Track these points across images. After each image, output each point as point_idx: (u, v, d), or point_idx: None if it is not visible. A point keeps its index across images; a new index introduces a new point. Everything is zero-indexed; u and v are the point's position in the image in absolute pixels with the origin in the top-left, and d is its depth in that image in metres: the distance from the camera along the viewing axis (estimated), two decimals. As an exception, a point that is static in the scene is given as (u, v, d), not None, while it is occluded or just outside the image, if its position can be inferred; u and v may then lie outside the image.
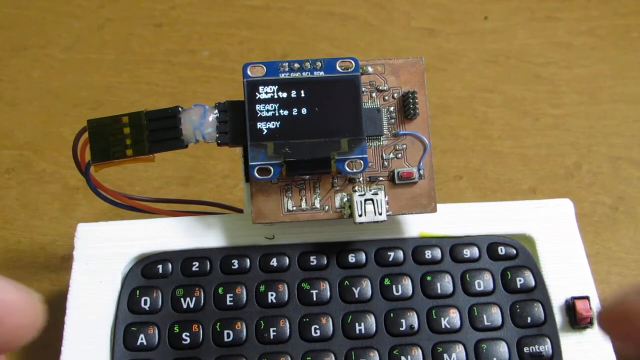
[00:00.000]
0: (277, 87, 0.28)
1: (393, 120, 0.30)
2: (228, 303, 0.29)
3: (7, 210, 0.41)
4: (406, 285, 0.29)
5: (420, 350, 0.28)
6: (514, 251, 0.30)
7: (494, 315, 0.29)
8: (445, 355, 0.28)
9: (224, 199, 0.38)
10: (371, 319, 0.29)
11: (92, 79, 0.47)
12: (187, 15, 0.51)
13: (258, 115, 0.28)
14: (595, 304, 0.29)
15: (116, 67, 0.48)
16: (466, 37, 0.50)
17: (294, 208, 0.29)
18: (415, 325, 0.29)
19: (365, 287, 0.29)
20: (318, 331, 0.28)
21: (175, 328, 0.28)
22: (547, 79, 0.47)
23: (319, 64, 0.29)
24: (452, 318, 0.29)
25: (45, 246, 0.39)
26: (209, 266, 0.29)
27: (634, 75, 0.48)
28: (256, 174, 0.28)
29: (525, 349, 0.28)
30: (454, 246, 0.30)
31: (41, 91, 0.46)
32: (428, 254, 0.30)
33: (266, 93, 0.28)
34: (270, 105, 0.28)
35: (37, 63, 0.48)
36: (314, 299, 0.29)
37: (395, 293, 0.29)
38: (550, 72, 0.48)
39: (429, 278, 0.30)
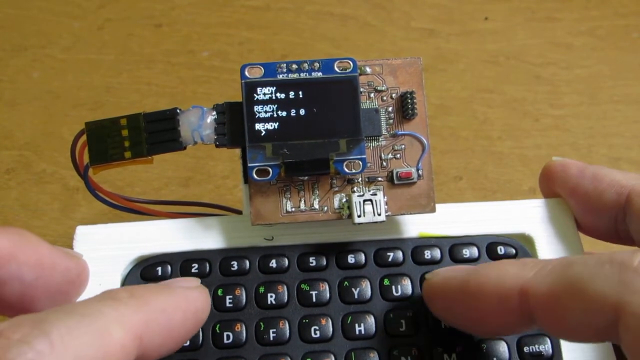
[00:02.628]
0: (275, 88, 0.28)
1: (391, 121, 0.30)
2: (227, 304, 0.29)
3: (6, 210, 0.41)
4: (406, 286, 0.29)
5: (420, 351, 0.28)
6: (513, 251, 0.30)
7: (494, 316, 0.29)
8: (446, 356, 0.28)
9: (224, 200, 0.38)
10: (371, 320, 0.29)
11: (92, 79, 0.47)
12: (187, 16, 0.51)
13: (256, 116, 0.28)
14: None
15: (116, 68, 0.48)
16: (466, 38, 0.50)
17: (293, 209, 0.29)
18: (415, 326, 0.29)
19: (365, 288, 0.29)
20: (318, 332, 0.28)
21: (174, 329, 0.28)
22: (547, 80, 0.47)
23: (316, 64, 0.29)
24: (452, 319, 0.29)
25: (45, 247, 0.39)
26: (208, 268, 0.29)
27: (634, 75, 0.48)
28: (255, 176, 0.28)
29: (525, 349, 0.28)
30: (453, 246, 0.30)
31: (41, 91, 0.46)
32: (427, 254, 0.30)
33: (264, 94, 0.28)
34: (269, 106, 0.28)
35: (37, 63, 0.48)
36: (314, 300, 0.29)
37: (394, 293, 0.29)
38: (550, 73, 0.48)
39: (428, 278, 0.30)
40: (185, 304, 0.23)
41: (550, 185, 0.31)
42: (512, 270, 0.24)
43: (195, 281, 0.25)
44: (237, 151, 0.30)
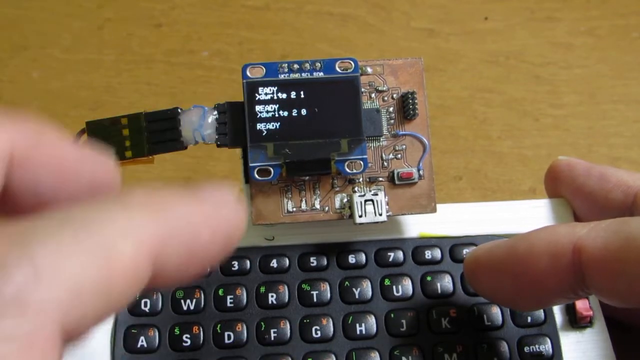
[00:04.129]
0: (276, 88, 0.28)
1: (392, 121, 0.30)
2: (228, 304, 0.29)
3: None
4: (406, 286, 0.29)
5: (421, 351, 0.28)
6: (514, 251, 0.30)
7: (495, 315, 0.29)
8: (446, 355, 0.28)
9: (224, 200, 0.38)
10: (372, 320, 0.29)
11: (92, 79, 0.47)
12: (187, 15, 0.51)
13: (258, 116, 0.28)
14: (595, 304, 0.29)
15: (116, 67, 0.48)
16: (466, 38, 0.50)
17: (294, 209, 0.29)
18: (416, 326, 0.29)
19: (366, 288, 0.29)
20: (319, 332, 0.28)
21: (175, 330, 0.28)
22: (546, 79, 0.47)
23: (318, 64, 0.29)
24: (453, 318, 0.29)
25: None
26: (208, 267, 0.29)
27: (633, 75, 0.48)
28: (256, 175, 0.28)
29: (526, 349, 0.28)
30: (453, 246, 0.30)
31: (41, 91, 0.46)
32: (428, 254, 0.30)
33: (265, 94, 0.28)
34: (270, 106, 0.28)
35: (37, 63, 0.48)
36: (315, 300, 0.29)
37: (395, 293, 0.29)
38: (550, 73, 0.48)
39: (429, 278, 0.30)
40: (216, 221, 0.18)
41: (556, 185, 0.31)
42: (564, 229, 0.23)
43: (230, 192, 0.20)
44: (237, 151, 0.30)
